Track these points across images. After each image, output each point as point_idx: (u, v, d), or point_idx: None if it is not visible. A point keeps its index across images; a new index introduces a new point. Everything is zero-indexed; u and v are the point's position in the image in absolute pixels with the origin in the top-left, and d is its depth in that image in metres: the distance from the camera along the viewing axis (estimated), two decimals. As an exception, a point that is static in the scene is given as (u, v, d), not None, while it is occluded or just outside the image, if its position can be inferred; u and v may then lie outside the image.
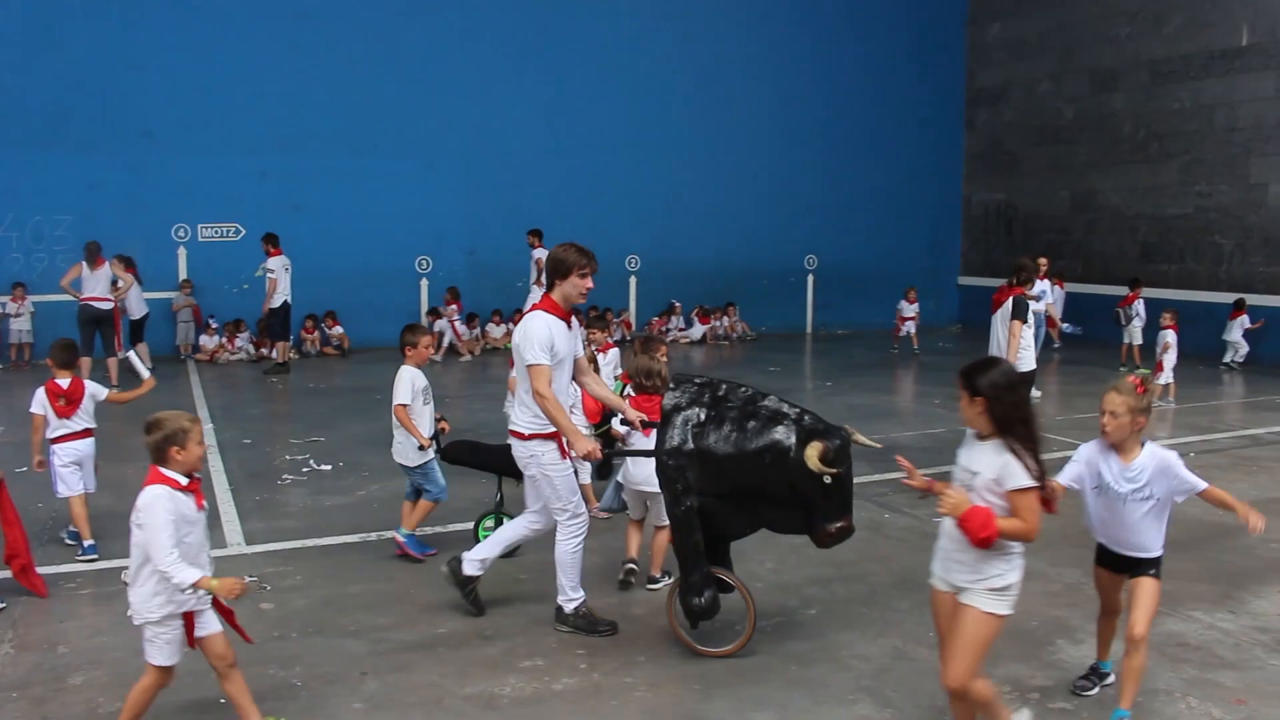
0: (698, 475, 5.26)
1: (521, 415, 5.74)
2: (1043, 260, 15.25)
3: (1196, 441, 11.44)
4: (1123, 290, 17.62)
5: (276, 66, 17.60)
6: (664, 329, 20.17)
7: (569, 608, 5.88)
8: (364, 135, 18.23)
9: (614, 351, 9.01)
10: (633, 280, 20.69)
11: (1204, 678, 5.34)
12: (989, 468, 4.05)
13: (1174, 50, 19.17)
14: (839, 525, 5.16)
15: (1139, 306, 17.07)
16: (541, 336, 5.58)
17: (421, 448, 7.01)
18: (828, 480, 5.01)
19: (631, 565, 6.70)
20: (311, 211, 17.94)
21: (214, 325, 17.33)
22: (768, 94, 21.55)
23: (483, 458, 7.09)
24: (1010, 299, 10.53)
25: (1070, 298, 19.66)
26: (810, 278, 22.43)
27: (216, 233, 17.65)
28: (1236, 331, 16.96)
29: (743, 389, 5.50)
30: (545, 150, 19.60)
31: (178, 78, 17.10)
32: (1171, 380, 13.68)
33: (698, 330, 20.49)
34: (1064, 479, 4.74)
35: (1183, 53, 19.01)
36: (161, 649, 4.34)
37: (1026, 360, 10.29)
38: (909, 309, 19.36)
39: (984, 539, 3.96)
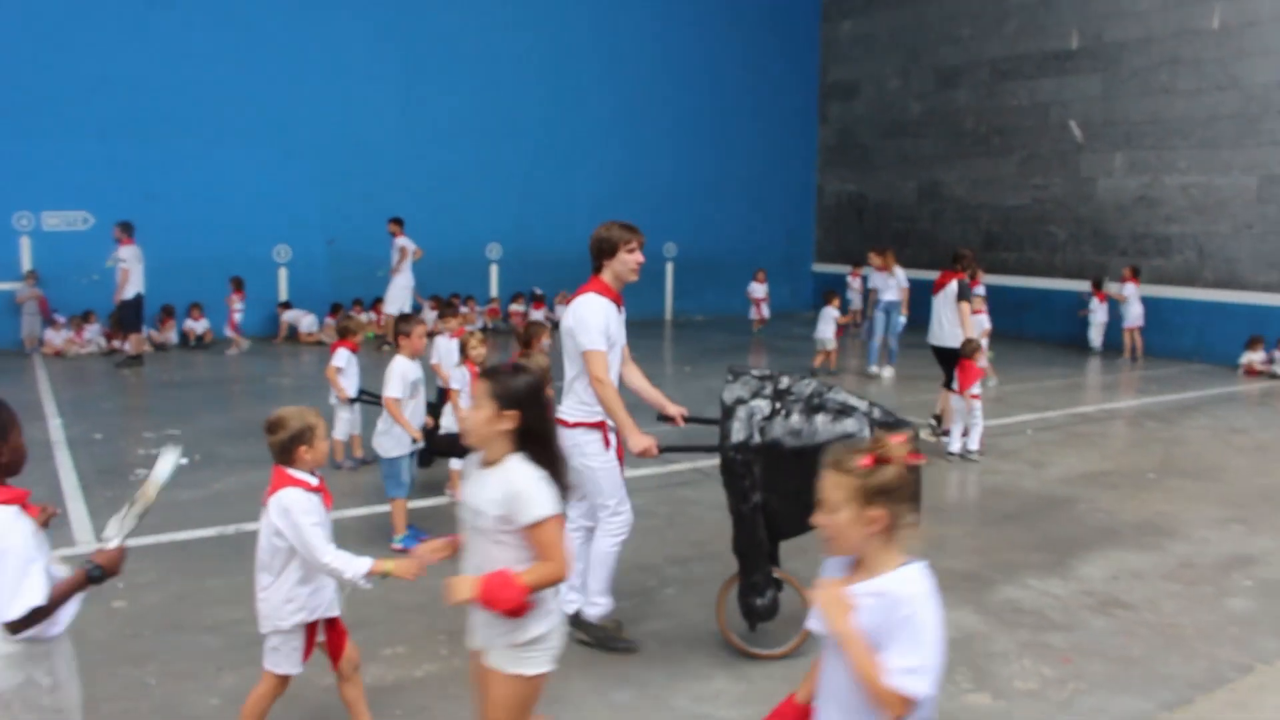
0: (763, 471, 5.10)
1: (568, 401, 5.43)
2: (878, 253, 15.82)
3: (1034, 420, 12.07)
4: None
5: (126, 50, 16.90)
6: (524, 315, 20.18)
7: (592, 613, 5.56)
8: (218, 122, 17.68)
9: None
10: (494, 268, 20.63)
11: (1036, 640, 5.70)
12: (494, 504, 3.34)
13: (1012, 50, 20.08)
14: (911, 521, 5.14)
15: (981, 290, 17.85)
16: (597, 320, 5.34)
17: (414, 441, 7.07)
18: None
19: None
20: (164, 200, 17.31)
21: (60, 320, 16.54)
22: (627, 83, 21.73)
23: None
24: (953, 282, 11.05)
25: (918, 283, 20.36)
26: (669, 265, 22.72)
27: (63, 221, 16.88)
28: (1102, 314, 17.67)
29: (805, 381, 5.37)
30: (404, 137, 19.36)
31: (19, 58, 16.23)
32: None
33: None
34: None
35: (1020, 53, 19.93)
36: (288, 657, 4.18)
37: (958, 336, 10.78)
38: (759, 289, 19.95)
39: (514, 609, 3.28)
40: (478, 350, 7.92)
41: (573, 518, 5.63)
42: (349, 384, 9.19)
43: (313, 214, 18.64)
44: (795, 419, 5.08)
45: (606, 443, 5.44)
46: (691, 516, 7.94)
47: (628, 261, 5.59)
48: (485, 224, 20.23)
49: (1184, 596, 6.44)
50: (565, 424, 5.34)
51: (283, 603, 4.08)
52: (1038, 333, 18.82)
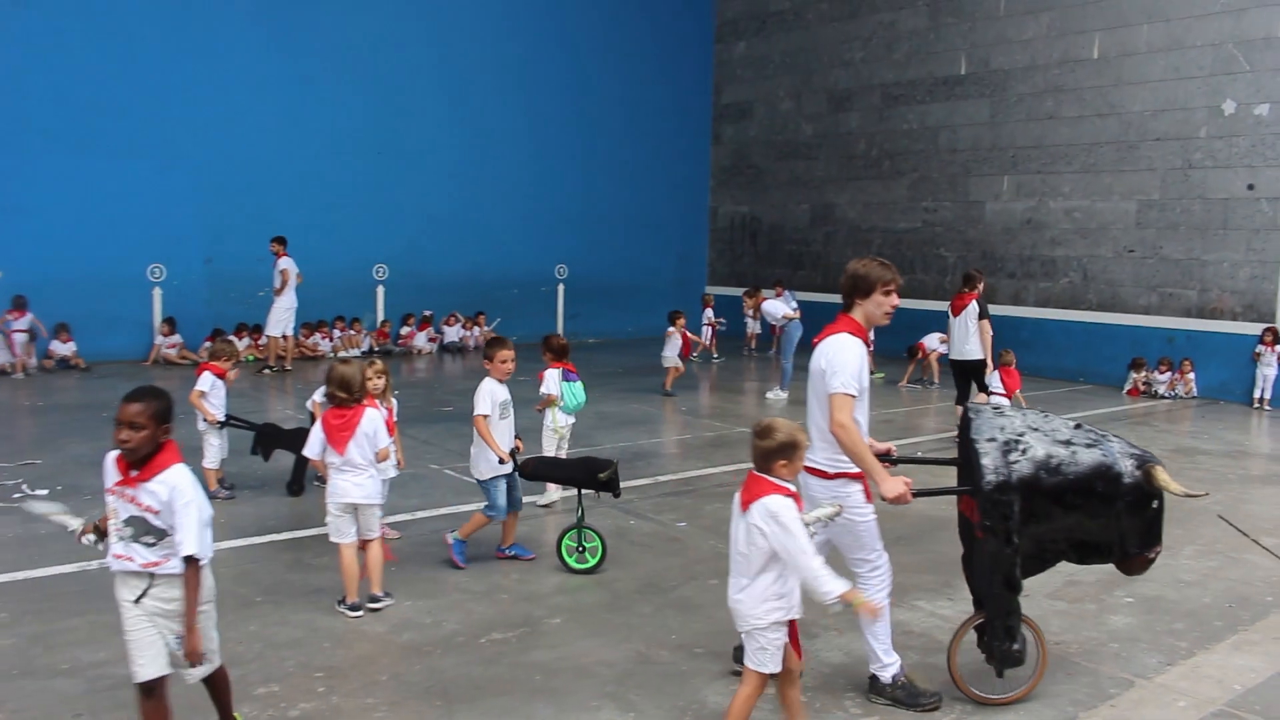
0: (1020, 509, 4.88)
1: (822, 451, 5.02)
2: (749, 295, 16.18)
3: (928, 441, 12.16)
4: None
5: (-10, 58, 16.15)
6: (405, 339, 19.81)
7: (885, 676, 5.15)
8: (90, 131, 16.89)
9: None
10: (380, 290, 20.19)
11: (925, 662, 5.64)
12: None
13: (902, 75, 20.45)
14: (1158, 549, 4.99)
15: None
16: (854, 364, 4.94)
17: (501, 461, 7.03)
18: (1156, 505, 4.87)
19: (373, 595, 6.33)
20: (32, 213, 16.49)
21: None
22: (521, 104, 21.55)
23: (565, 471, 7.44)
24: (973, 302, 12.14)
25: (810, 306, 20.52)
26: (561, 287, 22.55)
27: (-86, 235, 15.98)
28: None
29: (1041, 414, 5.24)
30: (291, 153, 18.80)
31: None
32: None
33: (453, 335, 20.25)
34: None
35: (910, 78, 20.30)
36: (772, 656, 4.29)
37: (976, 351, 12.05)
38: (709, 315, 19.89)
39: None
40: (374, 382, 7.34)
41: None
42: (215, 410, 8.84)
43: (191, 232, 17.94)
44: (1048, 454, 4.92)
45: (868, 494, 5.08)
46: (581, 542, 7.75)
47: (882, 304, 5.12)
48: (373, 244, 19.79)
49: (1068, 614, 6.47)
50: (825, 475, 5.04)
51: (759, 602, 4.26)
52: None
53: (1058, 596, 6.75)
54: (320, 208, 18.99)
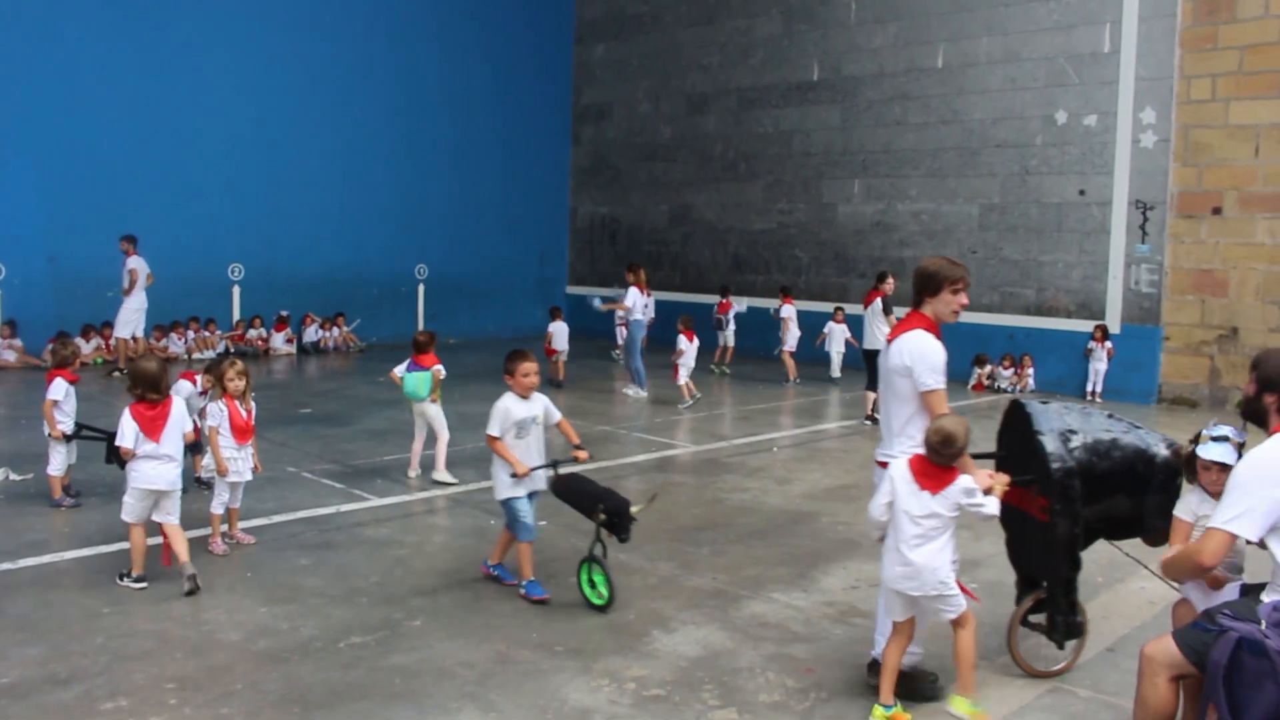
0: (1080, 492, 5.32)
1: (903, 445, 5.13)
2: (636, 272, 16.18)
3: (780, 437, 12.48)
4: (716, 298, 19.11)
5: None
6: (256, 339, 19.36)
7: (911, 661, 5.35)
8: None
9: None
10: (236, 289, 19.66)
11: (781, 652, 5.83)
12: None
13: (758, 80, 20.89)
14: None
15: (731, 314, 18.62)
16: (938, 359, 5.04)
17: (514, 475, 6.49)
18: (1178, 481, 5.30)
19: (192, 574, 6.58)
20: None
21: None
22: (384, 101, 21.25)
23: (585, 500, 6.51)
24: (878, 299, 13.71)
25: (665, 306, 20.78)
26: (420, 287, 22.32)
27: None
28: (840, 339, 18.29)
29: (1080, 409, 5.68)
30: (140, 148, 18.07)
31: None
32: (688, 381, 14.76)
33: (311, 336, 19.88)
34: None
35: (765, 83, 20.75)
36: (959, 596, 5.00)
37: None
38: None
39: None
40: (235, 383, 7.46)
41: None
42: (66, 418, 8.53)
43: (33, 228, 17.14)
44: (1096, 440, 5.42)
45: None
46: (438, 545, 7.76)
47: (950, 303, 5.18)
48: (228, 242, 19.25)
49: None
50: None
51: (945, 561, 4.90)
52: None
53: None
54: (173, 204, 18.37)
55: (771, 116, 20.70)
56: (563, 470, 6.66)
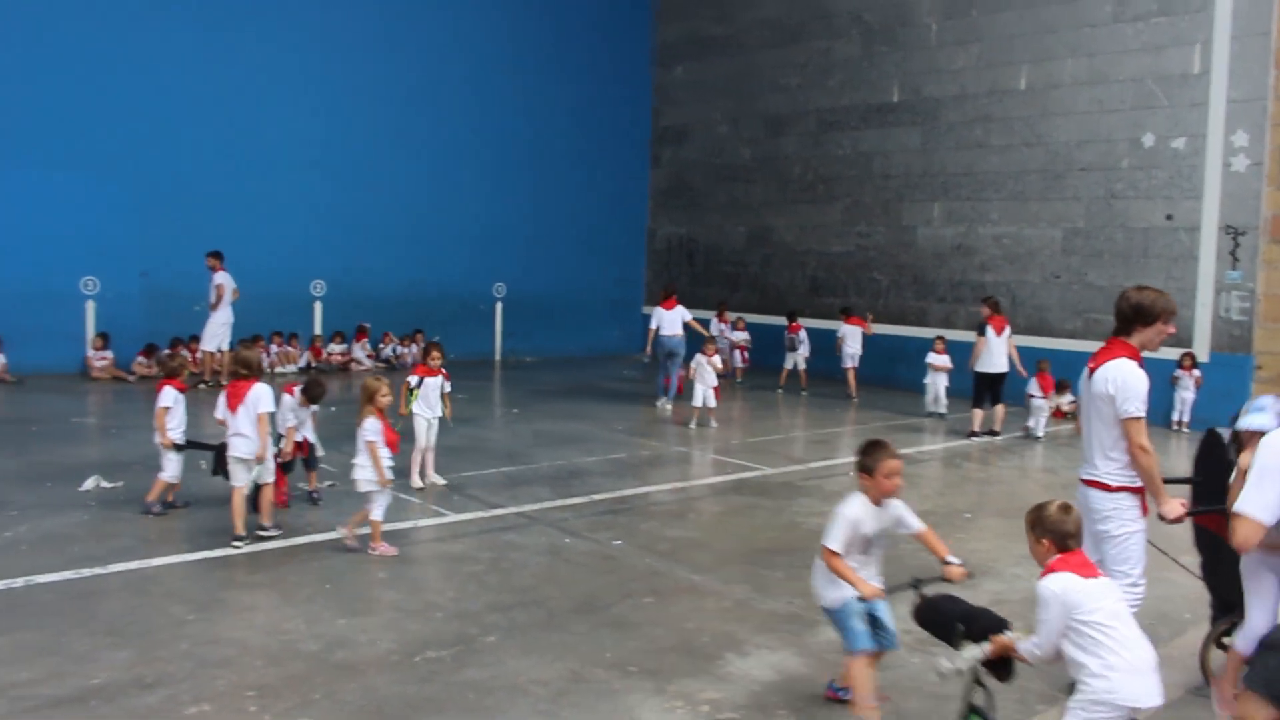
0: None
1: (1106, 466, 5.37)
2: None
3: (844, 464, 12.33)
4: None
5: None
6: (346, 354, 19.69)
7: None
8: (17, 142, 16.60)
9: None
10: (317, 305, 20.04)
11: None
12: None
13: (837, 102, 20.79)
14: None
15: (803, 334, 18.84)
16: (1142, 387, 5.31)
17: (860, 599, 5.16)
18: None
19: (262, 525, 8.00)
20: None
21: None
22: (465, 122, 21.54)
23: (949, 618, 4.79)
24: (1006, 326, 14.65)
25: (751, 328, 20.74)
26: (498, 305, 22.55)
27: None
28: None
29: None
30: (227, 168, 18.58)
31: None
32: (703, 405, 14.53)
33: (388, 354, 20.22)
34: None
35: (844, 105, 20.65)
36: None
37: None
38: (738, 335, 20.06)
39: None
40: (386, 399, 8.00)
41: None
42: (175, 427, 8.79)
43: (126, 245, 17.67)
44: None
45: (1144, 510, 5.38)
46: (514, 562, 7.78)
47: (1162, 332, 5.46)
48: (312, 259, 19.66)
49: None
50: (1107, 488, 5.35)
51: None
52: (861, 375, 19.33)
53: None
54: (257, 222, 18.82)
55: (850, 138, 20.60)
56: (928, 591, 5.01)
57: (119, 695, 5.26)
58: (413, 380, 10.13)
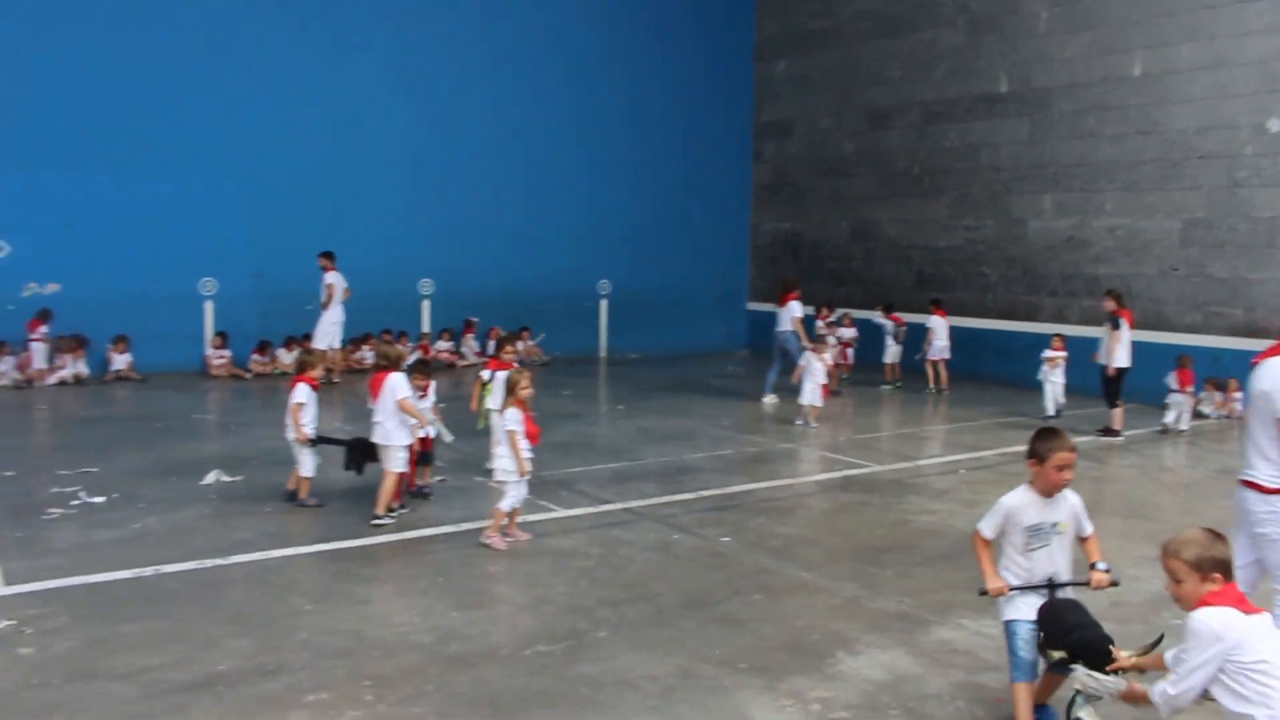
0: None
1: (1264, 468, 5.13)
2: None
3: (966, 459, 12.12)
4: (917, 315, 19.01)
5: (47, 77, 16.56)
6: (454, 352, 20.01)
7: None
8: (142, 150, 17.30)
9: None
10: (425, 304, 20.41)
11: (970, 680, 5.66)
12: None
13: (943, 93, 20.42)
14: None
15: (891, 325, 18.81)
16: None
17: (982, 592, 4.98)
18: None
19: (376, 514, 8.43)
20: (85, 229, 16.92)
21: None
22: (565, 119, 21.72)
23: (1061, 628, 4.74)
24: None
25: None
26: (603, 303, 22.67)
27: (-19, 250, 16.45)
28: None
29: None
30: (336, 171, 19.09)
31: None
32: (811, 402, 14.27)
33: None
34: None
35: (950, 96, 20.28)
36: None
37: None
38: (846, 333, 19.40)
39: None
40: (528, 391, 8.05)
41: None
42: (308, 423, 9.03)
43: (241, 246, 18.26)
44: None
45: None
46: (623, 557, 7.81)
47: None
48: (419, 258, 20.03)
49: (1114, 635, 6.42)
50: (1264, 490, 5.12)
51: None
52: (969, 371, 18.99)
53: (1104, 617, 6.71)
54: (366, 222, 19.28)
55: (957, 130, 20.21)
56: (1061, 595, 4.89)
57: (242, 682, 5.43)
58: (485, 375, 10.22)
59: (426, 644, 6.00)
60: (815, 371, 14.12)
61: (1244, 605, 3.72)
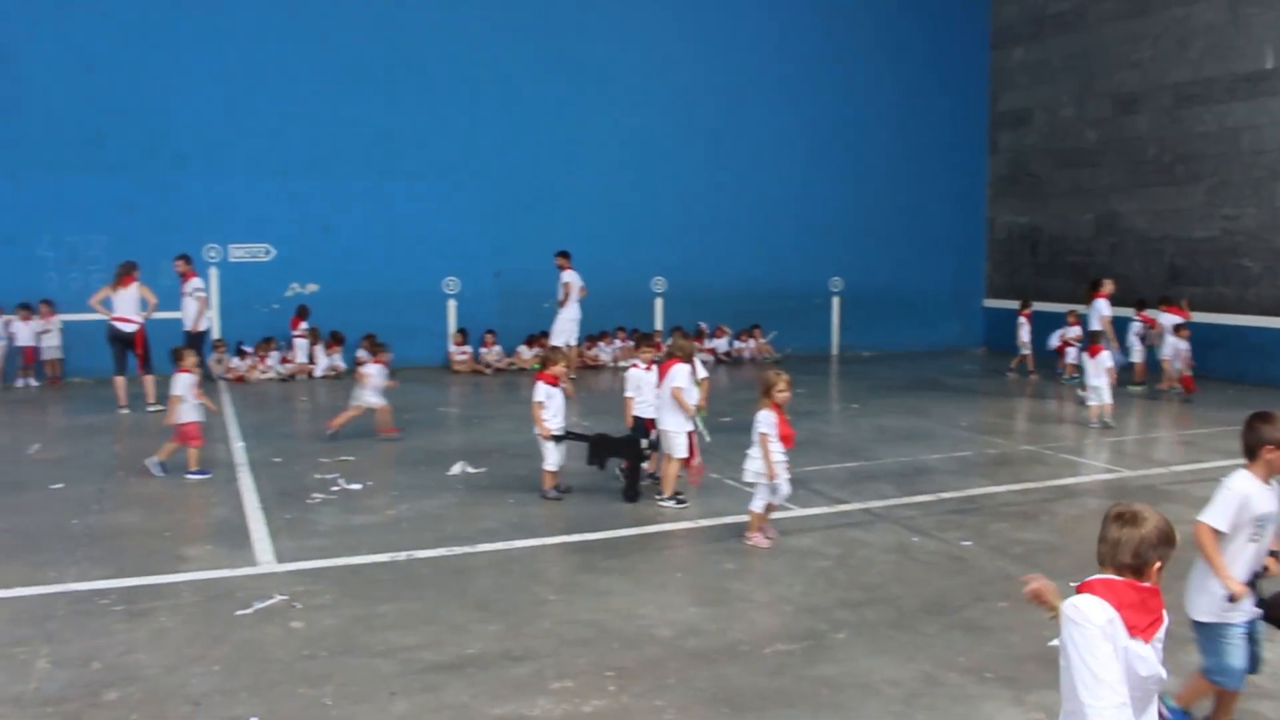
0: None
1: None
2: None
3: (1229, 465, 11.32)
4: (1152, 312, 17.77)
5: (304, 90, 17.86)
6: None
7: None
8: (390, 157, 18.45)
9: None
10: (658, 302, 20.72)
11: (1242, 708, 5.24)
12: None
13: (1198, 74, 19.12)
14: None
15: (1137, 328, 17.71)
16: None
17: (1232, 599, 4.52)
18: None
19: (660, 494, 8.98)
20: (339, 233, 18.19)
21: (247, 349, 17.52)
22: (793, 116, 21.62)
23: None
24: None
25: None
26: (835, 300, 22.41)
27: (247, 253, 17.84)
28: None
29: None
30: (570, 173, 19.72)
31: (209, 102, 17.40)
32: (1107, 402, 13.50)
33: (721, 346, 20.65)
34: None
35: (1206, 76, 18.95)
36: None
37: None
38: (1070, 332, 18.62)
39: None
40: (784, 394, 7.91)
41: None
42: (552, 418, 9.24)
43: (481, 246, 19.13)
44: None
45: None
46: (862, 559, 7.70)
47: None
48: (652, 256, 20.40)
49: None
50: None
51: None
52: (1228, 372, 17.76)
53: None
54: (600, 222, 19.78)
55: (1214, 113, 18.88)
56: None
57: (491, 665, 5.65)
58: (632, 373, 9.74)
59: (667, 638, 6.08)
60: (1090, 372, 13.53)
61: None
